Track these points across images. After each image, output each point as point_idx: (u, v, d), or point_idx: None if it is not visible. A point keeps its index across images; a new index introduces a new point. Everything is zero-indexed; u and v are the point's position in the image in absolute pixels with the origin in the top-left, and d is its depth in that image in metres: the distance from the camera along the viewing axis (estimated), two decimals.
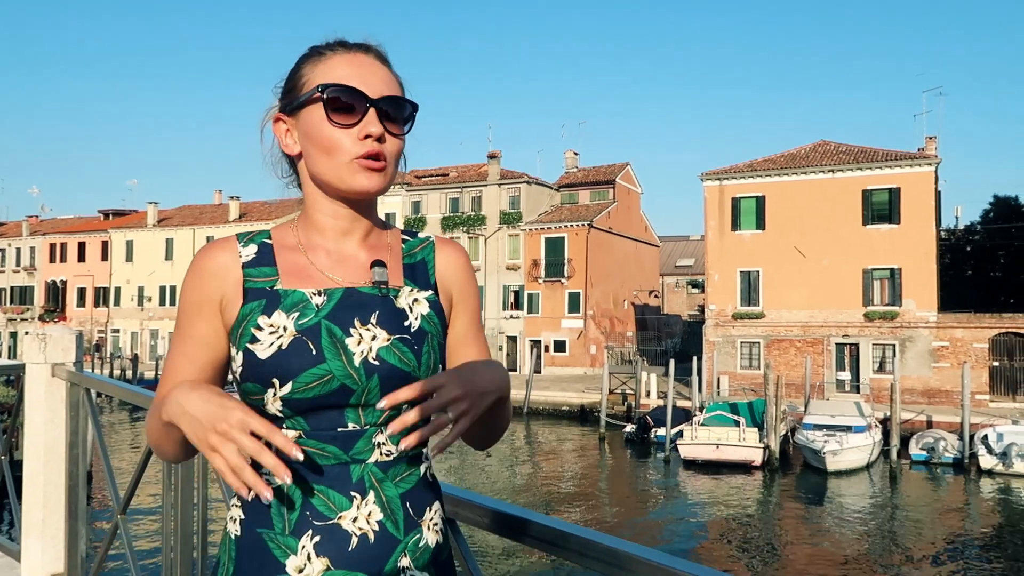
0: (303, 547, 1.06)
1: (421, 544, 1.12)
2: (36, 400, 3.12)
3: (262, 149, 1.23)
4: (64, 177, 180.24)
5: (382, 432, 1.10)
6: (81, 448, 3.12)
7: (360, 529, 1.07)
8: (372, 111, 1.12)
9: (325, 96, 1.11)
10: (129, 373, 47.62)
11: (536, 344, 44.72)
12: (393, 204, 49.15)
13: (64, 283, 60.91)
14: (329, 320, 1.10)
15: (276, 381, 1.07)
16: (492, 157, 48.22)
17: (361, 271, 1.17)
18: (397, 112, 1.14)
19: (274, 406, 1.08)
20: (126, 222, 60.57)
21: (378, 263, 1.17)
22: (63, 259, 61.07)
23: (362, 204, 1.18)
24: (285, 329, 1.09)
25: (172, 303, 56.25)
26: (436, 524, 1.16)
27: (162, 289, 56.71)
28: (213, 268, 1.15)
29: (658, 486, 23.96)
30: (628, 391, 35.03)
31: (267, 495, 0.96)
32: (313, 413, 1.08)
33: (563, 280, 44.95)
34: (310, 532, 1.06)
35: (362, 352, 1.09)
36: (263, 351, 1.08)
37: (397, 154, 1.16)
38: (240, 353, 1.10)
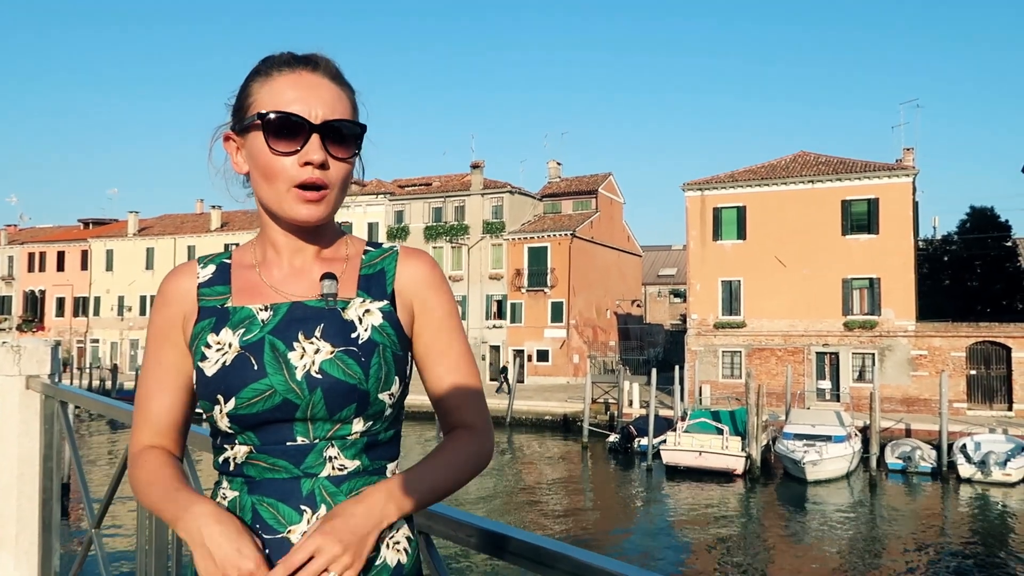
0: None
1: (378, 563, 1.08)
2: (9, 413, 3.09)
3: (209, 167, 1.22)
4: (43, 186, 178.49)
5: (333, 446, 1.09)
6: (56, 461, 3.10)
7: None
8: (315, 137, 1.09)
9: (265, 122, 1.10)
10: (108, 384, 47.09)
11: (519, 353, 44.72)
12: (376, 214, 49.07)
13: (43, 293, 60.24)
14: (273, 335, 1.10)
15: (220, 397, 1.07)
16: (475, 167, 48.29)
17: (312, 285, 1.16)
18: (342, 135, 1.12)
19: (223, 422, 1.08)
20: (106, 231, 60.04)
21: (327, 276, 1.16)
22: (42, 268, 60.43)
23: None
24: (230, 346, 1.10)
25: None
26: (398, 543, 1.11)
27: (143, 299, 56.19)
28: (173, 293, 1.18)
29: (641, 495, 23.99)
30: (611, 400, 35.06)
31: None
32: (262, 428, 1.08)
33: (546, 289, 45.02)
34: (259, 544, 1.05)
35: (304, 366, 1.08)
36: (210, 368, 1.09)
37: (343, 178, 1.13)
38: (195, 372, 1.12)
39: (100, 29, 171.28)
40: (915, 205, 35.36)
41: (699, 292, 36.93)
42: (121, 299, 57.00)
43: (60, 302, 59.67)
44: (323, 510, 1.07)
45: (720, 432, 25.92)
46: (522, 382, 41.89)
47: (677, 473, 25.40)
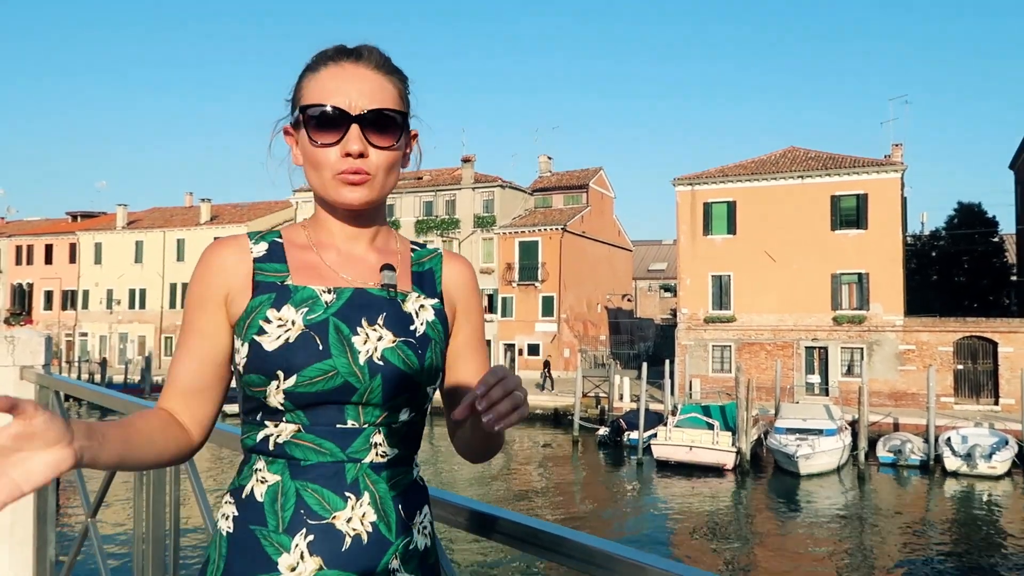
0: (296, 545, 1.06)
1: (411, 547, 1.13)
2: None
3: (269, 159, 1.25)
4: (31, 178, 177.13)
5: (379, 432, 1.12)
6: None
7: (354, 530, 1.08)
8: (354, 128, 1.13)
9: (306, 116, 1.14)
10: (98, 377, 46.84)
11: (510, 348, 44.76)
12: None
13: (31, 286, 59.84)
14: (337, 318, 1.12)
15: (281, 373, 1.08)
16: (466, 161, 48.25)
17: (370, 272, 1.20)
18: (384, 124, 1.15)
19: (276, 399, 1.09)
20: (95, 224, 59.66)
21: (388, 267, 1.20)
22: (30, 261, 60.01)
23: (368, 210, 1.20)
24: (293, 323, 1.10)
25: (142, 306, 55.51)
26: (425, 528, 1.18)
27: (131, 292, 55.91)
28: (221, 263, 1.17)
29: (631, 489, 24.08)
30: (601, 394, 35.16)
31: None
32: (314, 408, 1.09)
33: (537, 284, 45.06)
34: (304, 531, 1.07)
35: (367, 351, 1.11)
36: (270, 343, 1.09)
37: (387, 165, 1.16)
38: (245, 344, 1.11)
39: (90, 22, 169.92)
40: (903, 201, 35.57)
41: (689, 286, 37.04)
42: (110, 292, 56.67)
43: (48, 295, 59.31)
44: (366, 497, 1.10)
45: (711, 427, 26.04)
46: None
47: (668, 467, 25.50)
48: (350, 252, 1.21)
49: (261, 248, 1.19)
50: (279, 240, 1.21)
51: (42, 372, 3.10)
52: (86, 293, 57.72)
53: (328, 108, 1.13)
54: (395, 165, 1.18)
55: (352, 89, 1.14)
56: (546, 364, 40.86)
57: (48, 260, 59.47)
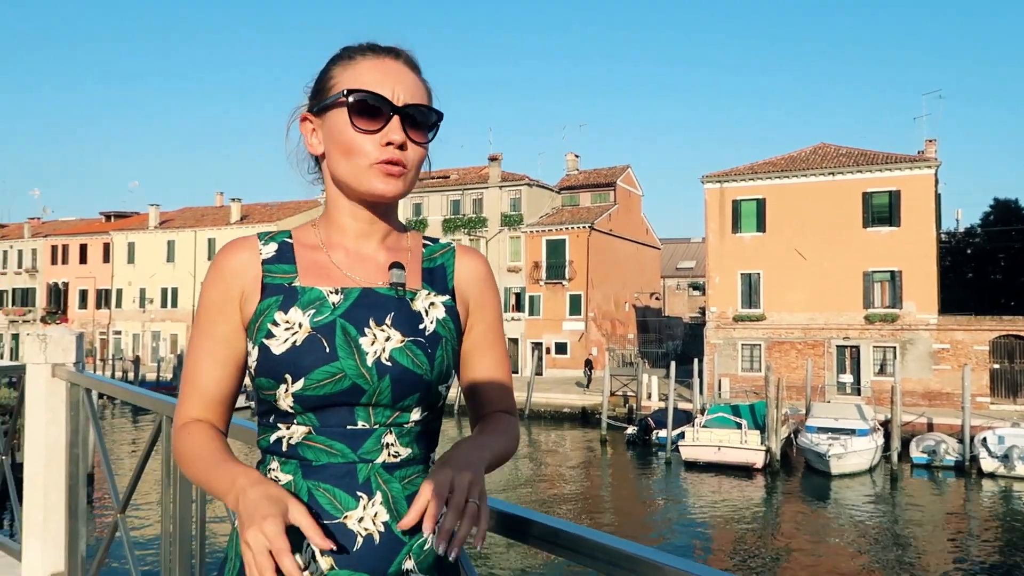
0: (307, 546, 1.05)
1: (426, 547, 1.11)
2: (37, 400, 3.14)
3: (286, 147, 1.25)
4: (66, 179, 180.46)
5: (391, 433, 1.11)
6: (81, 448, 3.14)
7: (366, 530, 1.07)
8: (396, 118, 1.13)
9: (350, 100, 1.13)
10: (131, 375, 47.61)
11: (537, 346, 44.72)
12: None
13: (66, 285, 60.94)
14: (344, 319, 1.11)
15: (288, 377, 1.07)
16: (493, 159, 48.25)
17: (379, 272, 1.18)
18: (421, 120, 1.15)
19: (285, 402, 1.09)
20: (128, 224, 60.59)
21: (396, 265, 1.18)
22: (65, 261, 61.10)
23: (381, 207, 1.19)
24: (300, 325, 1.10)
25: (174, 305, 56.29)
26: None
27: (163, 291, 56.73)
28: (234, 266, 1.16)
29: (660, 488, 23.95)
30: (629, 393, 35.02)
31: None
32: (324, 410, 1.08)
33: (564, 282, 44.96)
34: None
35: (375, 352, 1.10)
36: (278, 346, 1.09)
37: (418, 162, 1.17)
38: (256, 348, 1.11)
39: (123, 24, 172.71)
40: (937, 197, 34.97)
41: (718, 285, 36.75)
42: (143, 291, 57.54)
43: (83, 294, 60.35)
44: (379, 496, 1.09)
45: (739, 427, 25.82)
46: (540, 375, 41.90)
47: (696, 466, 25.33)
48: (359, 251, 1.20)
49: (270, 249, 1.18)
50: (289, 240, 1.20)
51: (73, 370, 3.14)
52: (119, 292, 58.66)
53: (375, 95, 1.12)
54: (423, 163, 1.18)
55: (394, 81, 1.14)
56: (588, 363, 40.71)
57: (83, 260, 60.51)
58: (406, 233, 1.26)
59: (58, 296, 61.26)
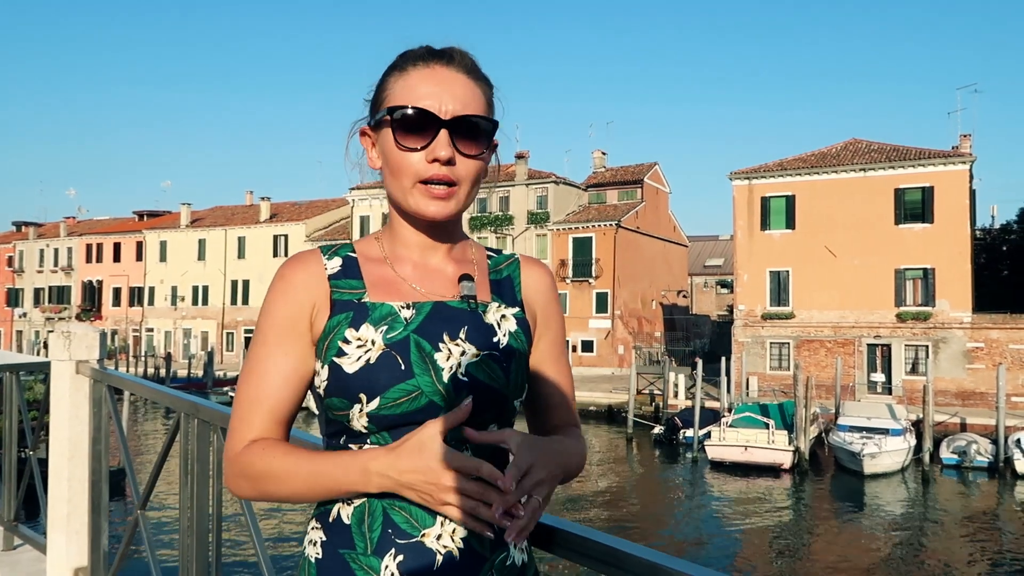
0: (386, 567, 1.02)
1: (508, 563, 1.07)
2: (61, 396, 3.18)
3: (346, 162, 1.21)
4: (101, 179, 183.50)
5: (467, 449, 1.05)
6: (104, 444, 3.18)
7: (444, 547, 1.03)
8: (443, 133, 1.08)
9: (394, 117, 1.09)
10: (163, 371, 48.38)
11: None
12: None
13: (100, 283, 62.01)
14: (418, 334, 1.07)
15: (363, 396, 1.03)
16: (520, 157, 48.22)
17: (448, 284, 1.15)
18: (473, 131, 1.10)
19: (360, 422, 1.05)
20: (160, 223, 61.54)
21: (466, 277, 1.15)
22: (99, 259, 62.20)
23: (447, 221, 1.15)
24: (373, 343, 1.06)
25: (204, 303, 57.05)
26: (522, 542, 1.11)
27: (195, 289, 57.54)
28: (303, 281, 1.11)
29: (686, 488, 23.79)
30: (656, 392, 34.85)
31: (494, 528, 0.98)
32: (399, 429, 1.04)
33: (591, 280, 44.84)
34: (393, 551, 1.02)
35: (451, 367, 1.06)
36: (350, 365, 1.05)
37: (473, 175, 1.12)
38: (325, 367, 1.07)
39: (157, 25, 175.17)
40: (972, 193, 34.30)
41: (746, 283, 36.41)
42: (174, 289, 58.41)
43: (116, 292, 61.37)
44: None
45: (766, 426, 25.56)
46: None
47: (723, 466, 25.12)
48: (426, 264, 1.16)
49: (335, 264, 1.14)
50: (352, 255, 1.16)
51: (96, 367, 3.18)
52: (152, 290, 59.58)
53: (418, 110, 1.08)
54: (479, 176, 1.13)
55: (444, 92, 1.09)
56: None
57: (116, 258, 61.54)
58: (470, 244, 1.23)
59: (92, 294, 62.35)
